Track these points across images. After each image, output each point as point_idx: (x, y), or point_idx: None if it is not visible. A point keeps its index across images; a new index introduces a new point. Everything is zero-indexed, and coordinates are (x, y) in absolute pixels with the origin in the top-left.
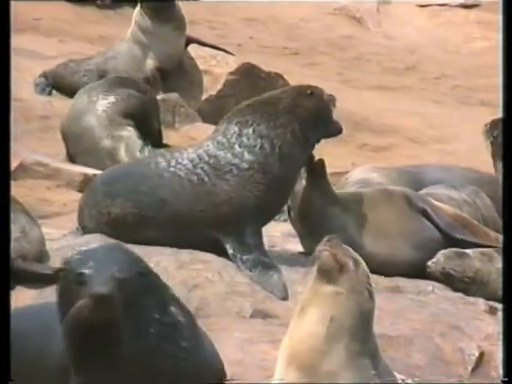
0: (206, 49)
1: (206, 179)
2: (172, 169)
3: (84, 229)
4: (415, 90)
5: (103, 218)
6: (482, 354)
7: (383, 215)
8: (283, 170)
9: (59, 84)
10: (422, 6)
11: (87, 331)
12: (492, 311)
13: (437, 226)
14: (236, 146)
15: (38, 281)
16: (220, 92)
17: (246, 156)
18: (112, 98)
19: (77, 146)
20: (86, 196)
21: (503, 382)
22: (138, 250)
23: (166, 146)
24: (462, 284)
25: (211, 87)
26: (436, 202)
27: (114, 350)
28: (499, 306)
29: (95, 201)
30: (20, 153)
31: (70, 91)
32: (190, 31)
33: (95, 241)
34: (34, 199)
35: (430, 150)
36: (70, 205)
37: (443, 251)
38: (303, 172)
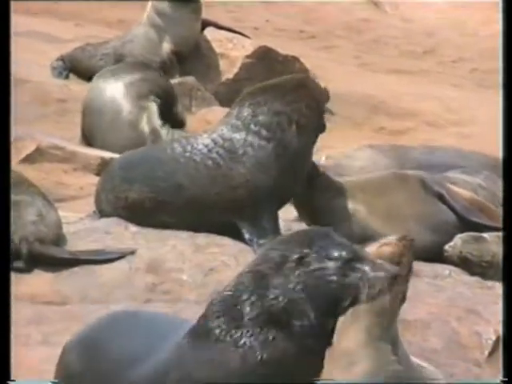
0: (223, 32)
1: (222, 163)
2: (188, 154)
3: (101, 212)
4: (433, 74)
5: (120, 202)
6: (498, 338)
7: (397, 199)
8: (301, 144)
9: (76, 67)
10: None
11: None
12: None
13: (453, 210)
14: (252, 126)
15: (54, 264)
16: (236, 75)
17: (264, 133)
18: (138, 76)
19: (97, 122)
20: (104, 180)
21: (503, 382)
22: (155, 233)
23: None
24: (480, 268)
25: (228, 70)
26: (452, 186)
27: None
28: None
29: (113, 185)
30: (37, 136)
31: (86, 75)
32: (206, 14)
33: (112, 224)
34: (50, 183)
35: (447, 133)
36: (87, 188)
37: (460, 235)
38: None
